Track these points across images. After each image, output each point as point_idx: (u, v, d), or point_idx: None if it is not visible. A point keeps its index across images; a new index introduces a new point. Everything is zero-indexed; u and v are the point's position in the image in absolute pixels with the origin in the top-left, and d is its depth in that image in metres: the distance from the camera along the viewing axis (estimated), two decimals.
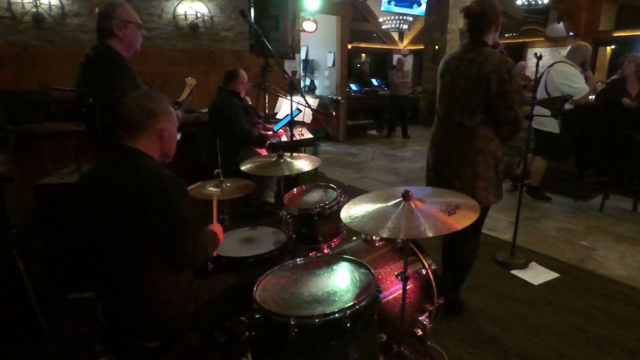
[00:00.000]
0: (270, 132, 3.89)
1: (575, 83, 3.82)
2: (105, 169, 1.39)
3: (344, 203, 1.69)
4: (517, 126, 2.04)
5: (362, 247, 1.90)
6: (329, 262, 1.57)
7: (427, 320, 1.73)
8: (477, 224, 2.06)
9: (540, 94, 3.92)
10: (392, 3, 9.21)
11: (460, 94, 2.05)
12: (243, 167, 2.22)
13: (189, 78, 2.93)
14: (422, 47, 10.24)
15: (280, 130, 4.00)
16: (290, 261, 1.58)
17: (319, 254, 1.87)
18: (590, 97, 4.86)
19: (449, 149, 2.11)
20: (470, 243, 2.28)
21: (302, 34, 6.99)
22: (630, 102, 3.88)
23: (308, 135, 4.39)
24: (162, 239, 1.31)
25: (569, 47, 4.19)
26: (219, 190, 2.09)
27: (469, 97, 2.02)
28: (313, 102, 5.05)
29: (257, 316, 1.27)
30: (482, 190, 2.06)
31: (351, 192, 2.02)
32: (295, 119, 3.78)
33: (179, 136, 2.57)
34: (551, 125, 3.93)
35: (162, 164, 1.44)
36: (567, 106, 3.69)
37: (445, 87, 2.14)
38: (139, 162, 1.35)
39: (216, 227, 1.67)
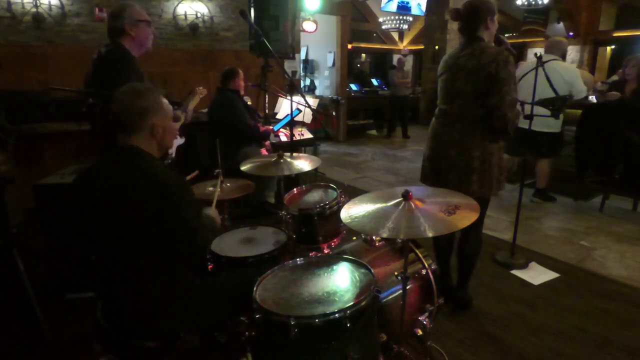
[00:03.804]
0: (271, 128, 3.90)
1: (582, 82, 3.81)
2: (104, 168, 1.37)
3: (344, 203, 1.69)
4: (507, 117, 1.99)
5: (362, 247, 1.89)
6: (329, 262, 1.57)
7: (427, 320, 1.73)
8: (478, 219, 2.07)
9: (543, 94, 3.86)
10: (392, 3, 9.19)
11: (460, 86, 2.08)
12: (243, 167, 2.21)
13: (200, 88, 2.90)
14: (422, 47, 10.24)
15: (281, 130, 4.00)
16: (290, 261, 1.58)
17: (319, 254, 1.87)
18: (590, 97, 4.86)
19: (449, 141, 2.13)
20: (472, 239, 2.30)
21: (302, 34, 6.98)
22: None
23: (308, 135, 4.39)
24: (166, 238, 1.31)
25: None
26: (219, 181, 2.11)
27: (468, 89, 2.05)
28: (313, 102, 5.05)
29: (257, 316, 1.27)
30: (475, 183, 2.10)
31: (351, 192, 2.02)
32: (295, 119, 3.78)
33: (181, 140, 2.58)
34: (555, 126, 3.92)
35: (162, 163, 1.43)
36: None
37: (444, 83, 2.18)
38: (139, 161, 1.34)
39: (213, 212, 1.67)
